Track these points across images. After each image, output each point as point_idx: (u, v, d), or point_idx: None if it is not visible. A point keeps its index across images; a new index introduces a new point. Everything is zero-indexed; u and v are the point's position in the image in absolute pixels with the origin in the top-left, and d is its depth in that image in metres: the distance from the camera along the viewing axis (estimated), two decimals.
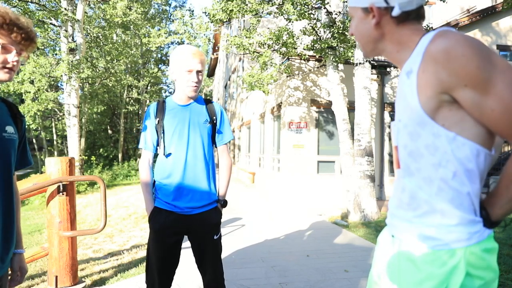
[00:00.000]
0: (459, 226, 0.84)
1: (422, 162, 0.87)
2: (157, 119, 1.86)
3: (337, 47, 7.15)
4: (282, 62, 8.89)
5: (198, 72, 1.80)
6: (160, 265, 1.82)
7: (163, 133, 1.84)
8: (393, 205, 1.01)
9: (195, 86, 1.81)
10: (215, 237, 1.88)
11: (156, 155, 1.95)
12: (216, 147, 1.99)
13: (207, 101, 1.96)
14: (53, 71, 10.74)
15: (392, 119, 9.62)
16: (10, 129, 1.25)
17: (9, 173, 1.25)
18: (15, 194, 1.31)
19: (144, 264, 3.58)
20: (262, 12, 7.36)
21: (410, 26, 0.93)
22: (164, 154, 1.84)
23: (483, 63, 0.76)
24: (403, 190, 0.94)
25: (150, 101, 25.12)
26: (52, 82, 13.81)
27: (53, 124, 24.72)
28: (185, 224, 1.83)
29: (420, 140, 0.86)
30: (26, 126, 1.42)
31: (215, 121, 1.93)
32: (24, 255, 1.43)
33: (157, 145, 1.88)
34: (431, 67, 0.81)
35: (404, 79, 0.89)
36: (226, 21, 7.49)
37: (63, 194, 2.87)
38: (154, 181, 1.90)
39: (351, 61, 7.41)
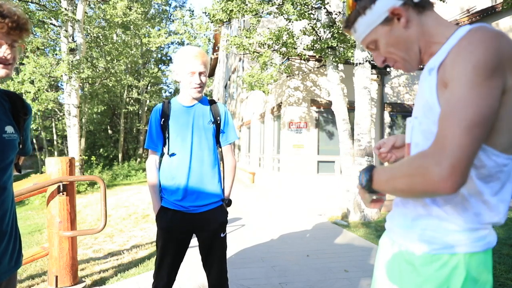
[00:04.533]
0: (459, 233, 0.83)
1: None
2: (162, 119, 1.89)
3: (337, 47, 7.15)
4: (282, 62, 8.90)
5: (200, 73, 1.82)
6: (166, 261, 1.88)
7: (168, 133, 1.88)
8: (394, 204, 1.02)
9: (199, 87, 1.84)
10: (221, 235, 1.92)
11: (162, 155, 1.99)
12: (220, 147, 2.01)
13: (211, 102, 1.99)
14: (53, 71, 10.73)
15: (392, 119, 9.62)
16: (9, 129, 1.19)
17: (7, 174, 1.22)
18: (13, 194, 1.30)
19: (144, 263, 3.63)
20: (262, 12, 7.36)
21: (432, 14, 0.90)
22: (168, 154, 1.88)
23: (479, 71, 0.72)
24: None
25: (150, 101, 25.12)
26: (52, 82, 13.80)
27: (53, 124, 24.71)
28: (191, 222, 1.87)
29: (432, 139, 0.81)
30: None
31: (219, 122, 1.95)
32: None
33: (163, 145, 1.92)
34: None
35: (426, 75, 0.87)
36: (226, 21, 7.50)
37: (63, 194, 2.87)
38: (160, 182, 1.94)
39: (351, 61, 7.41)
